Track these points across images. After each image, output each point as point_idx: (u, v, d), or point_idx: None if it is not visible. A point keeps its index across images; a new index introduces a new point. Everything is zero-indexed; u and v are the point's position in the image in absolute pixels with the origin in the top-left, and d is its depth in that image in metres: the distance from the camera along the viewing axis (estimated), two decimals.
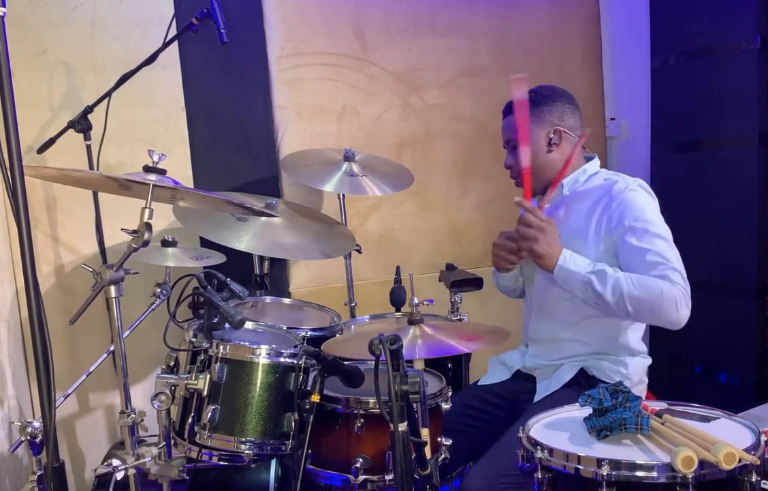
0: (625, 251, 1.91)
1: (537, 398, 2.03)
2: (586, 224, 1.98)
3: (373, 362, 1.44)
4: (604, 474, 1.31)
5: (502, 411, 2.11)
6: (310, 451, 1.79)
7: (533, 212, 1.94)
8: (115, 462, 1.74)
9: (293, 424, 1.81)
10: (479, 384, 2.21)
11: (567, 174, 2.06)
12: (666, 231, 1.92)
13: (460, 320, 2.35)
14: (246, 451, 1.79)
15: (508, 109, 2.08)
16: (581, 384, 1.97)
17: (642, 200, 1.94)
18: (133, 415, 1.76)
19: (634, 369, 2.02)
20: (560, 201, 2.07)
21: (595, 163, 2.10)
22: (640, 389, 2.05)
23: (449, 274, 2.39)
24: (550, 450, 1.41)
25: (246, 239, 2.24)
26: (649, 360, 2.09)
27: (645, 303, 1.84)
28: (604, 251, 1.95)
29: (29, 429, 1.78)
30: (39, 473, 1.80)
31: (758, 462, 1.30)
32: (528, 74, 1.98)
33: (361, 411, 1.78)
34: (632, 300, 1.83)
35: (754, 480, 1.30)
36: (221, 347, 1.81)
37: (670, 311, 1.82)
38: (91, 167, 2.48)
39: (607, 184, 2.01)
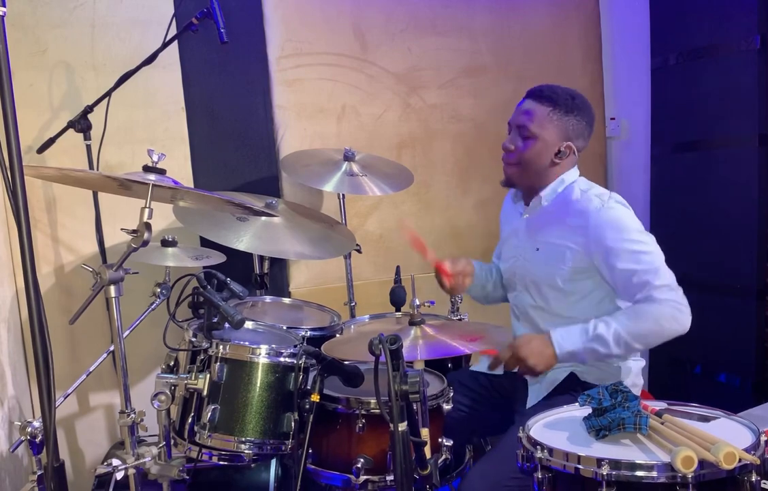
0: (612, 275, 1.90)
1: (529, 403, 2.03)
2: (563, 241, 1.97)
3: (373, 362, 1.44)
4: (604, 473, 1.31)
5: (495, 400, 2.14)
6: (311, 451, 1.79)
7: (501, 356, 1.90)
8: (115, 462, 1.74)
9: (293, 424, 1.80)
10: (472, 369, 2.24)
11: (546, 185, 2.03)
12: (646, 240, 1.89)
13: (460, 320, 2.35)
14: (246, 451, 1.79)
15: (535, 94, 2.01)
16: (573, 389, 1.95)
17: (620, 217, 1.91)
18: (133, 415, 1.76)
19: (627, 373, 2.03)
20: (539, 211, 2.05)
21: (574, 171, 2.05)
22: (634, 391, 2.04)
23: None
24: (550, 450, 1.41)
25: (246, 239, 2.24)
26: (642, 362, 2.08)
27: (649, 335, 1.85)
28: (582, 268, 1.95)
29: (29, 429, 1.78)
30: (39, 473, 1.80)
31: (758, 462, 1.30)
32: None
33: (363, 411, 1.78)
34: (636, 339, 1.84)
35: (754, 479, 1.30)
36: (221, 347, 1.81)
37: (672, 329, 1.83)
38: (91, 167, 2.48)
39: (584, 200, 1.96)
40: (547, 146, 1.99)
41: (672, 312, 1.81)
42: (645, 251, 1.87)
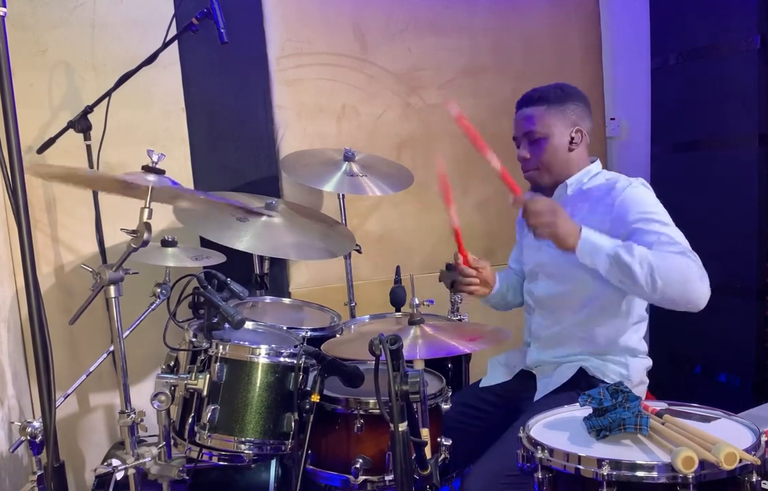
0: (637, 238, 1.85)
1: (537, 396, 2.03)
2: (589, 223, 1.97)
3: (373, 362, 1.44)
4: (605, 474, 1.31)
5: (501, 410, 2.11)
6: (309, 451, 1.79)
7: (537, 198, 1.88)
8: (115, 462, 1.74)
9: (293, 424, 1.80)
10: (480, 385, 2.21)
11: (572, 175, 2.06)
12: (671, 221, 1.89)
13: (460, 320, 2.35)
14: (246, 451, 1.79)
15: (525, 101, 2.06)
16: (581, 385, 1.97)
17: (644, 195, 1.94)
18: (133, 415, 1.77)
19: (635, 370, 2.02)
20: (564, 201, 2.07)
21: (598, 164, 2.11)
22: (641, 390, 2.05)
23: (449, 274, 2.39)
24: (551, 450, 1.41)
25: (246, 239, 2.24)
26: (649, 361, 2.08)
27: (674, 275, 1.75)
28: None
29: (29, 429, 1.78)
30: (39, 473, 1.80)
31: (759, 462, 1.30)
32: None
33: (361, 412, 1.78)
34: (661, 272, 1.74)
35: (754, 480, 1.30)
36: (221, 347, 1.81)
37: (694, 289, 1.75)
38: (90, 167, 2.48)
39: (609, 183, 2.01)
40: (558, 139, 2.03)
41: (701, 274, 1.76)
42: (670, 224, 1.87)
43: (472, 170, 3.24)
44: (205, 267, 2.16)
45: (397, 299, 2.47)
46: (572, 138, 2.04)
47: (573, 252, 1.84)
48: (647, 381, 2.09)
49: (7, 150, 1.46)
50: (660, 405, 1.60)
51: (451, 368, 2.33)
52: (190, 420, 1.79)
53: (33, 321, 1.50)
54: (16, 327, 2.56)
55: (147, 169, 1.67)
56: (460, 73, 3.20)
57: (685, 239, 1.86)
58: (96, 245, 2.56)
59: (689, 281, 1.75)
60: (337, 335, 2.20)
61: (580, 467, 1.36)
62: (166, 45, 2.40)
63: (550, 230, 1.84)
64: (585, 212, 2.00)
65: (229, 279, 1.91)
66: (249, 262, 2.64)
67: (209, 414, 1.75)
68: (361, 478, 1.76)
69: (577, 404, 1.61)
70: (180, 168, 2.78)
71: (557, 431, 1.53)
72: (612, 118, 3.50)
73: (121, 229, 1.75)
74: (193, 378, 1.78)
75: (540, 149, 2.03)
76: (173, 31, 2.43)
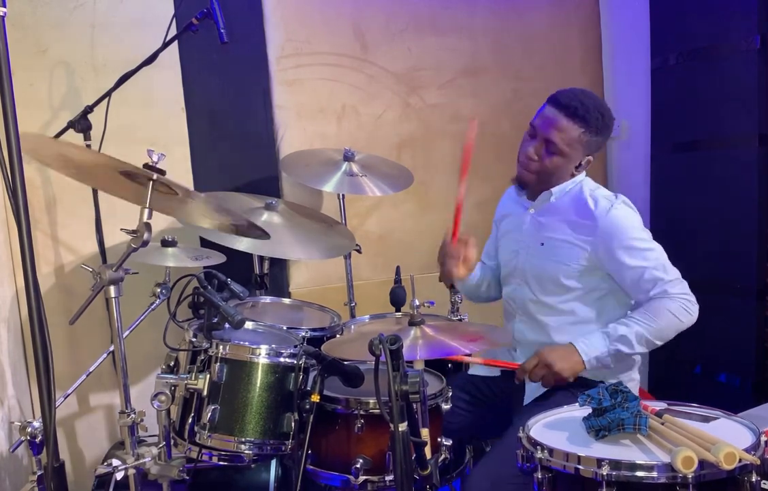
0: (622, 272, 1.95)
1: (526, 400, 2.04)
2: (571, 238, 2.00)
3: (373, 362, 1.44)
4: (604, 474, 1.31)
5: (492, 402, 2.15)
6: (310, 451, 1.79)
7: (524, 367, 1.95)
8: (115, 462, 1.74)
9: (293, 424, 1.81)
10: (469, 373, 2.24)
11: (557, 184, 2.05)
12: (649, 238, 1.96)
13: (460, 320, 2.35)
14: (246, 451, 1.79)
15: (567, 109, 1.95)
16: (570, 386, 1.96)
17: (627, 218, 1.96)
18: (133, 415, 1.76)
19: (625, 369, 2.05)
20: (546, 208, 2.07)
21: (582, 173, 2.09)
22: (632, 387, 2.05)
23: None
24: (550, 450, 1.41)
25: (246, 239, 2.24)
26: (638, 358, 2.10)
27: (668, 329, 1.92)
28: (588, 266, 1.98)
29: (29, 429, 1.78)
30: (39, 473, 1.81)
31: (758, 462, 1.30)
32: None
33: (361, 412, 1.78)
34: (657, 335, 1.91)
35: (754, 480, 1.30)
36: (221, 347, 1.81)
37: (687, 321, 1.91)
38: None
39: (592, 200, 1.99)
40: (570, 161, 2.01)
41: (686, 305, 1.90)
42: (651, 248, 1.94)
43: (472, 171, 3.18)
44: (205, 267, 2.16)
45: (397, 299, 2.47)
46: (580, 163, 2.03)
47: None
48: (638, 377, 2.11)
49: (7, 150, 1.46)
50: (660, 405, 1.60)
51: (451, 368, 2.33)
52: (190, 420, 1.79)
53: (33, 321, 1.50)
54: (16, 327, 2.56)
55: (147, 169, 1.67)
56: (460, 73, 3.20)
57: (663, 256, 1.93)
58: (96, 245, 2.56)
59: (678, 325, 1.92)
60: (337, 336, 2.20)
61: (580, 467, 1.36)
62: (166, 45, 2.40)
63: (558, 378, 1.91)
64: (565, 225, 2.01)
65: (229, 279, 1.91)
66: (249, 262, 2.64)
67: (209, 414, 1.76)
68: (362, 478, 1.76)
69: (577, 404, 1.61)
70: (180, 168, 2.78)
71: (557, 431, 1.53)
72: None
73: (121, 229, 1.75)
74: (193, 378, 1.78)
75: (550, 158, 2.00)
76: (173, 31, 2.43)
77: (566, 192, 2.05)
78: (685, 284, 1.93)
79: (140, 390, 2.70)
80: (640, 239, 1.94)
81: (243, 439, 1.78)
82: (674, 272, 1.93)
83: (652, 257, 1.92)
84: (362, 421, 1.78)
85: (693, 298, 1.91)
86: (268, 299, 2.53)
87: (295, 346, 1.88)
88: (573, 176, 2.04)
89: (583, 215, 1.99)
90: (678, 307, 1.89)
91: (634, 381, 2.08)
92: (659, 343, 1.93)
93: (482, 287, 2.31)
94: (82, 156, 1.81)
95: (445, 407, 1.89)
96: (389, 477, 1.77)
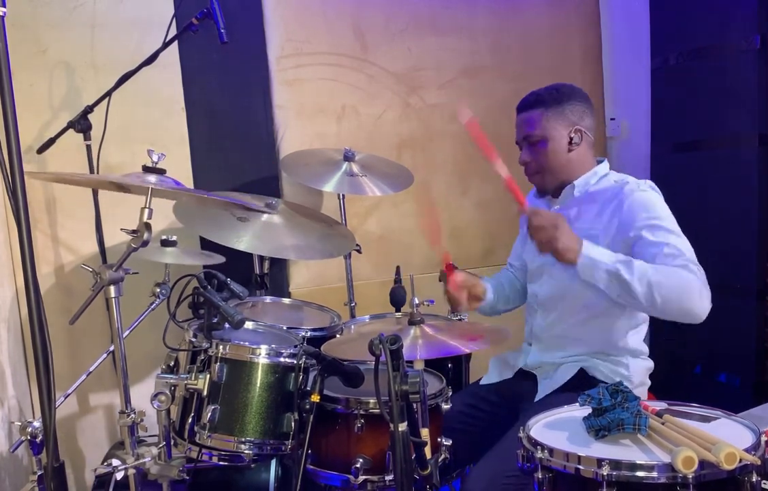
0: (642, 247, 1.86)
1: (538, 397, 2.03)
2: (596, 225, 1.98)
3: (373, 362, 1.44)
4: (605, 474, 1.31)
5: (503, 410, 2.11)
6: (310, 451, 1.79)
7: (540, 212, 1.88)
8: (115, 462, 1.74)
9: (293, 424, 1.80)
10: (481, 383, 2.21)
11: (578, 176, 2.05)
12: (678, 228, 1.89)
13: (460, 320, 2.35)
14: (246, 451, 1.79)
15: (524, 105, 2.07)
16: (582, 386, 1.96)
17: (653, 199, 1.93)
18: (133, 415, 1.77)
19: (635, 371, 2.02)
20: (570, 203, 2.07)
21: (605, 165, 2.10)
22: (641, 391, 2.05)
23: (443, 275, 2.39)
24: (551, 450, 1.41)
25: (246, 239, 2.24)
26: (650, 363, 2.08)
27: (672, 292, 1.76)
28: (615, 252, 1.94)
29: (29, 429, 1.78)
30: (39, 473, 1.80)
31: (759, 462, 1.30)
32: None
33: (361, 411, 1.78)
34: (660, 289, 1.76)
35: (754, 480, 1.30)
36: (221, 347, 1.81)
37: (694, 304, 1.76)
38: (90, 167, 2.48)
39: (618, 186, 2.00)
40: (557, 141, 2.02)
41: (701, 288, 1.77)
42: (677, 233, 1.86)
43: (472, 170, 3.24)
44: (205, 267, 2.16)
45: (397, 299, 2.47)
46: (571, 138, 2.03)
47: (573, 267, 1.84)
48: (648, 382, 2.09)
49: (7, 150, 1.46)
50: (660, 405, 1.60)
51: (451, 368, 2.34)
52: (190, 420, 1.79)
53: (33, 321, 1.50)
54: (16, 327, 2.56)
55: (147, 169, 1.67)
56: (460, 73, 3.20)
57: (691, 248, 1.85)
58: (96, 245, 2.56)
59: (688, 298, 1.76)
60: (337, 336, 2.20)
61: (580, 467, 1.36)
62: (166, 45, 2.40)
63: (552, 245, 1.84)
64: (592, 214, 2.00)
65: (229, 279, 1.91)
66: (249, 262, 2.64)
67: (209, 414, 1.75)
68: (362, 478, 1.76)
69: (577, 404, 1.61)
70: (180, 168, 2.78)
71: (557, 431, 1.53)
72: (612, 119, 3.50)
73: (121, 229, 1.75)
74: (193, 378, 1.78)
75: (540, 152, 2.03)
76: (173, 31, 2.43)
77: (590, 184, 2.05)
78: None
79: (140, 390, 2.69)
80: (664, 218, 1.88)
81: (243, 439, 1.78)
82: (695, 259, 1.82)
83: (674, 240, 1.83)
84: (362, 421, 1.78)
85: (710, 295, 1.78)
86: (268, 299, 2.53)
87: (295, 346, 1.88)
88: (571, 151, 2.02)
89: (610, 197, 1.98)
90: (694, 281, 1.76)
91: (644, 385, 2.07)
92: (658, 300, 1.76)
93: (498, 304, 2.27)
94: (80, 179, 1.81)
95: (445, 407, 1.89)
96: (389, 477, 1.77)
